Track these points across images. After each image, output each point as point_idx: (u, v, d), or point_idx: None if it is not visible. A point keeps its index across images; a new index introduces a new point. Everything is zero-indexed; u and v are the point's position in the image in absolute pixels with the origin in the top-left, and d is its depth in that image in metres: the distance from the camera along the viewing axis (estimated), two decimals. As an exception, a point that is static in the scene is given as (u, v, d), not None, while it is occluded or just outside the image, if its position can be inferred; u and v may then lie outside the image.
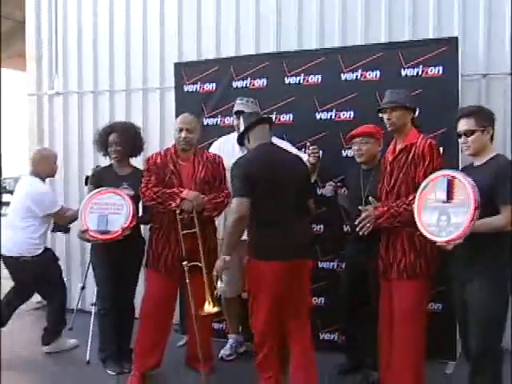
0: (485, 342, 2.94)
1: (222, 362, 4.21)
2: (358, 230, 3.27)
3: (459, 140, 3.09)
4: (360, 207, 3.31)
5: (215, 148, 4.18)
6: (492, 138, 3.05)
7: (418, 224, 2.93)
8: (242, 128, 3.46)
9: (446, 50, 3.95)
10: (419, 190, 2.98)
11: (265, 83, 4.46)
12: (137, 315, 4.05)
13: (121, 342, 4.08)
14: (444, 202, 2.82)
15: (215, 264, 3.35)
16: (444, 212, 2.82)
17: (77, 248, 5.63)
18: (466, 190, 2.73)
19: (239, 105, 3.98)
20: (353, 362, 3.94)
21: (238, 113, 3.97)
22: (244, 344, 4.38)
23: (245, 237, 3.80)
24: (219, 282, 3.36)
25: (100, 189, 3.85)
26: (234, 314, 4.29)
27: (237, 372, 4.06)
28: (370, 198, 3.29)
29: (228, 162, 3.95)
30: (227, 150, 4.11)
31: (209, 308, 3.68)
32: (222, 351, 4.26)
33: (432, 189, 2.91)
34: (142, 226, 4.19)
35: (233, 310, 4.28)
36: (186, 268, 3.68)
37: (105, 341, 4.06)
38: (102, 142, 4.08)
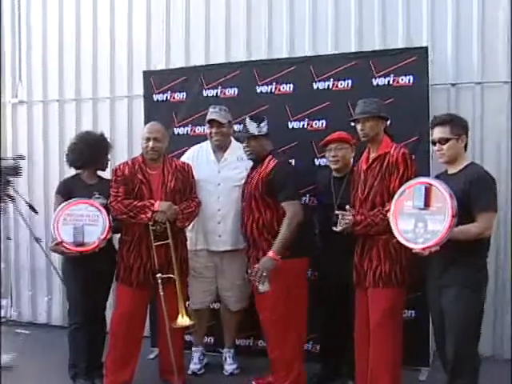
0: (461, 348, 2.95)
1: (194, 376, 4.13)
2: (337, 226, 3.24)
3: (433, 147, 3.12)
4: (347, 206, 3.29)
5: (188, 157, 4.12)
6: (466, 147, 3.08)
7: (395, 231, 2.94)
8: (256, 131, 3.57)
9: (416, 59, 3.98)
10: (395, 197, 2.98)
11: (236, 92, 4.43)
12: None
13: (92, 357, 3.94)
14: (421, 208, 2.83)
15: (261, 263, 3.41)
16: (421, 219, 2.83)
17: (42, 259, 5.45)
18: (444, 197, 2.74)
19: (212, 113, 3.93)
20: (328, 371, 3.92)
21: (211, 121, 3.93)
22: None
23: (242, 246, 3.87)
24: (265, 284, 3.38)
25: (73, 199, 3.72)
26: (202, 326, 4.22)
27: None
28: (347, 206, 3.27)
29: (203, 171, 3.99)
30: (201, 158, 4.07)
31: (182, 321, 3.65)
32: (191, 365, 4.18)
33: (409, 196, 2.92)
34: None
35: (202, 322, 4.19)
36: (159, 280, 3.62)
37: (76, 357, 3.90)
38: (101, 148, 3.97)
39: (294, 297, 3.52)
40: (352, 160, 3.82)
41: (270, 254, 3.41)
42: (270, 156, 3.63)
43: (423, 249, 2.80)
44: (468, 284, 2.92)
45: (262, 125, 3.61)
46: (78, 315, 3.85)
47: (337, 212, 3.29)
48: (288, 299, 3.49)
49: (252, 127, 3.59)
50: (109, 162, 4.07)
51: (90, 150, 3.93)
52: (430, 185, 2.84)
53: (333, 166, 3.79)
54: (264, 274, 3.37)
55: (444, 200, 2.74)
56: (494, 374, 3.65)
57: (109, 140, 4.13)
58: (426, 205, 2.82)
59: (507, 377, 3.79)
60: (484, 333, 3.11)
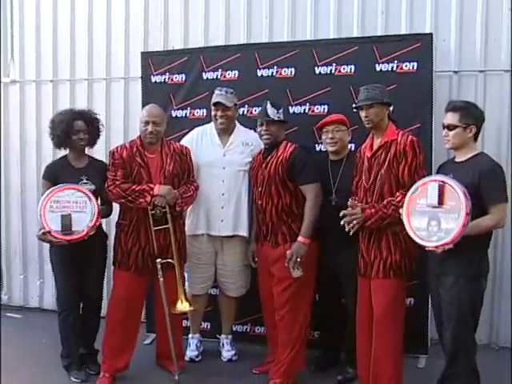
0: (458, 336, 2.98)
1: (191, 362, 4.09)
2: (347, 229, 3.21)
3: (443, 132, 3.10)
4: (349, 202, 3.25)
5: (190, 139, 4.05)
6: (476, 137, 3.05)
7: (408, 228, 2.92)
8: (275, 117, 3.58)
9: (420, 45, 3.94)
10: (408, 194, 2.96)
11: (236, 75, 4.35)
12: (102, 314, 3.90)
13: (86, 344, 3.89)
14: (435, 206, 2.82)
15: (293, 249, 3.45)
16: (434, 217, 2.82)
17: (34, 243, 5.37)
18: (458, 195, 2.73)
19: (218, 96, 3.85)
20: (327, 357, 3.93)
21: (217, 104, 3.86)
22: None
23: (245, 233, 3.90)
24: (299, 269, 3.42)
25: (59, 186, 3.59)
26: (199, 312, 4.17)
27: (207, 371, 3.97)
28: (349, 202, 3.25)
29: (207, 154, 3.94)
30: (205, 141, 4.00)
31: (181, 306, 3.62)
32: (188, 352, 4.14)
33: (422, 193, 2.89)
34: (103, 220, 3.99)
35: (199, 308, 4.13)
36: (158, 265, 3.58)
37: (67, 346, 3.81)
38: (65, 129, 3.76)
39: (303, 277, 3.50)
40: (348, 144, 3.81)
41: (301, 239, 3.47)
42: (285, 142, 3.65)
43: (437, 247, 2.79)
44: (465, 273, 2.92)
45: (280, 111, 3.62)
46: (66, 302, 3.76)
47: (344, 212, 3.23)
48: (298, 280, 3.50)
49: (272, 112, 3.59)
50: (97, 140, 3.96)
51: (97, 132, 3.87)
52: (444, 182, 2.82)
53: (330, 149, 3.75)
54: (298, 260, 3.41)
55: (458, 198, 2.73)
56: (490, 362, 3.65)
57: (99, 116, 4.00)
58: (440, 203, 2.80)
59: (504, 365, 3.82)
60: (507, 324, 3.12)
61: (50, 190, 3.57)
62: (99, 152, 4.23)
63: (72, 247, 3.59)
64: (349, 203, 3.24)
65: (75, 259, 3.70)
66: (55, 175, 3.75)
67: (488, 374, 3.21)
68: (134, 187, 3.59)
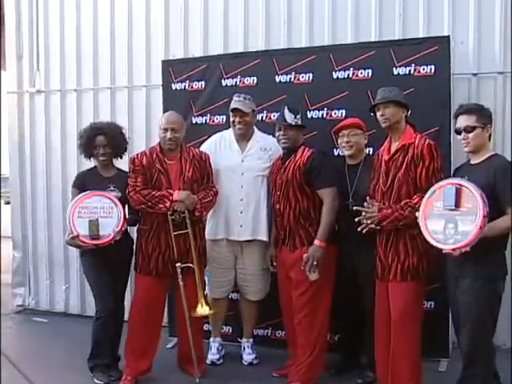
0: (475, 338, 2.96)
1: (212, 366, 4.12)
2: (360, 228, 3.23)
3: (458, 137, 3.09)
4: (365, 203, 3.26)
5: (209, 145, 4.11)
6: (490, 137, 3.05)
7: (425, 232, 2.92)
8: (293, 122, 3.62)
9: (437, 48, 3.93)
10: (425, 198, 2.96)
11: (255, 81, 4.40)
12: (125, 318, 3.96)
13: (112, 349, 3.94)
14: (452, 209, 2.82)
15: (310, 252, 3.47)
16: (451, 220, 2.82)
17: (60, 248, 5.50)
18: (475, 197, 2.73)
19: (236, 102, 3.91)
20: (348, 360, 3.93)
21: (235, 110, 3.91)
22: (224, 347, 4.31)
23: (264, 238, 3.93)
24: (316, 272, 3.45)
25: (87, 192, 3.71)
26: (220, 316, 4.21)
27: (228, 375, 4.00)
28: (366, 202, 3.25)
29: (226, 160, 3.99)
30: (225, 147, 4.05)
31: (201, 310, 3.66)
32: (209, 355, 4.18)
33: (439, 196, 2.90)
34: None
35: (220, 312, 4.16)
36: (178, 270, 3.63)
37: (100, 348, 3.86)
38: (88, 144, 3.92)
39: (321, 281, 3.52)
40: (365, 148, 3.84)
41: (317, 242, 3.49)
42: (303, 146, 3.69)
43: (453, 249, 2.79)
44: (482, 275, 2.91)
45: (297, 116, 3.67)
46: (108, 307, 3.80)
47: (360, 209, 3.25)
48: (316, 284, 3.52)
49: (290, 117, 3.63)
50: (123, 152, 4.05)
51: (119, 144, 3.97)
52: (461, 185, 2.82)
53: (346, 152, 3.77)
54: (314, 263, 3.43)
55: (475, 200, 2.73)
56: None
57: (124, 129, 4.11)
58: (457, 205, 2.80)
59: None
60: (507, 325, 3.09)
61: (78, 197, 3.69)
62: (123, 159, 4.30)
63: (101, 253, 3.69)
64: (365, 203, 3.24)
65: (105, 265, 3.79)
66: (84, 184, 3.87)
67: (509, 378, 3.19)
68: (153, 193, 3.65)
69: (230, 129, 4.06)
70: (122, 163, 4.11)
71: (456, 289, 3.04)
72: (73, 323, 5.25)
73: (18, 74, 5.68)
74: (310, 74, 4.27)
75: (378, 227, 3.19)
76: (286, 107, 3.69)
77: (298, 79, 4.29)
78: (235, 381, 3.90)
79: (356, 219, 3.23)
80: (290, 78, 4.31)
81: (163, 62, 4.74)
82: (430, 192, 2.96)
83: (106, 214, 3.66)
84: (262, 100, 4.26)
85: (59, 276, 5.58)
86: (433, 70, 3.97)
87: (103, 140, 3.88)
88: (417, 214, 2.99)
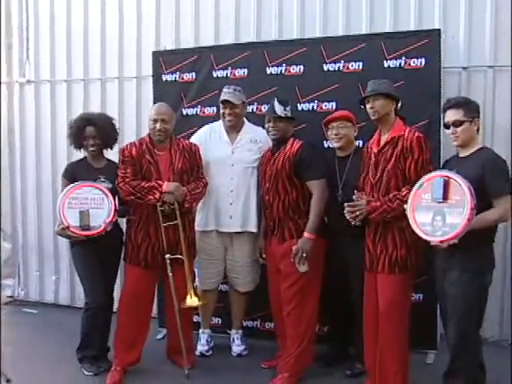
0: (462, 331, 2.98)
1: (202, 357, 4.13)
2: (350, 220, 3.24)
3: (446, 131, 3.10)
4: (354, 196, 3.28)
5: (199, 137, 4.11)
6: (478, 130, 3.06)
7: (413, 224, 2.93)
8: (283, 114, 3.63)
9: (428, 41, 3.94)
10: (413, 190, 2.97)
11: (246, 73, 4.39)
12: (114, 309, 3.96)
13: (102, 341, 3.93)
14: (439, 201, 2.82)
15: (299, 244, 3.47)
16: (439, 212, 2.82)
17: (50, 239, 5.49)
18: (463, 190, 2.74)
19: (226, 94, 3.91)
20: (337, 352, 3.96)
21: (225, 102, 3.91)
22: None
23: (254, 229, 3.94)
24: (305, 264, 3.45)
25: (77, 183, 3.69)
26: (209, 307, 4.22)
27: (217, 366, 4.01)
28: (354, 196, 3.26)
29: (216, 152, 3.99)
30: (215, 138, 4.05)
31: (191, 301, 3.67)
32: (199, 347, 4.19)
33: (427, 189, 2.90)
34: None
35: (209, 303, 4.17)
36: (168, 261, 3.64)
37: (89, 340, 3.85)
38: (78, 134, 3.89)
39: (310, 274, 3.54)
40: (355, 140, 3.84)
41: (306, 234, 3.50)
42: (293, 138, 3.70)
43: (441, 241, 2.80)
44: (470, 268, 2.93)
45: (287, 108, 3.68)
46: (97, 298, 3.79)
47: (348, 204, 3.26)
48: (305, 276, 3.53)
49: (280, 109, 3.64)
50: (113, 143, 4.03)
51: (109, 135, 3.94)
52: (449, 178, 2.82)
53: (335, 145, 3.78)
54: (304, 255, 3.44)
55: (463, 193, 2.74)
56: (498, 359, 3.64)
57: (114, 120, 4.08)
58: (445, 198, 2.81)
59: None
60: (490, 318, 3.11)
61: (68, 187, 3.67)
62: (113, 150, 4.28)
63: (91, 244, 3.68)
64: (354, 197, 3.25)
65: (96, 256, 3.77)
66: (74, 174, 3.84)
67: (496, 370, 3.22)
68: (143, 184, 3.65)
69: (220, 120, 4.06)
70: (113, 154, 4.09)
71: (444, 282, 3.06)
72: (63, 314, 5.25)
73: (8, 64, 5.62)
74: (301, 66, 4.27)
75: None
76: (275, 99, 3.70)
77: (289, 71, 4.29)
78: (224, 372, 3.92)
79: (344, 211, 3.24)
80: (281, 70, 4.31)
81: (154, 53, 4.72)
82: (418, 184, 2.96)
83: (97, 205, 3.65)
84: (252, 92, 4.26)
85: (49, 267, 5.57)
86: (423, 63, 3.98)
87: (93, 131, 3.86)
88: (405, 206, 3.00)
